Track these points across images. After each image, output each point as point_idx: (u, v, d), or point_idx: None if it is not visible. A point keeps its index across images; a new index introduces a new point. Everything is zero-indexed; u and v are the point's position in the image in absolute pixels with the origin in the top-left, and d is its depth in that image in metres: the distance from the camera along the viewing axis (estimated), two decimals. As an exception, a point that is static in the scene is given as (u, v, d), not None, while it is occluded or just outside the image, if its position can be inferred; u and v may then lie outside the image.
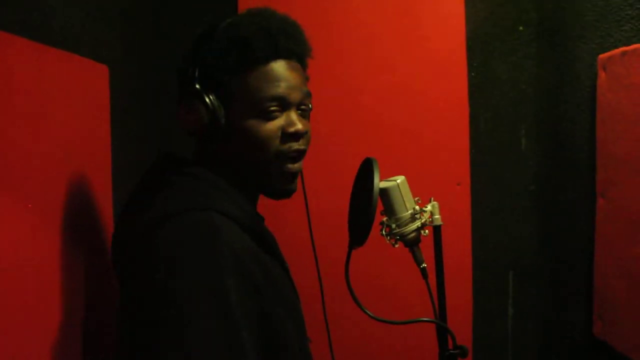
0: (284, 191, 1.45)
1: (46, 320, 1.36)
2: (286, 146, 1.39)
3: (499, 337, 2.48)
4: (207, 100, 1.34)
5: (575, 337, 2.25)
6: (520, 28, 2.41)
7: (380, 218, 1.51)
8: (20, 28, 1.28)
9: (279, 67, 1.38)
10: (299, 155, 1.43)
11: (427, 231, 1.51)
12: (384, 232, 1.51)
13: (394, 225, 1.49)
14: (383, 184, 1.47)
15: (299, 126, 1.39)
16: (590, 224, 2.06)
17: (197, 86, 1.35)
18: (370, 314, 1.45)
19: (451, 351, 1.53)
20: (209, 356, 1.15)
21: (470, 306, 2.40)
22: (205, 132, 1.36)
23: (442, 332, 1.53)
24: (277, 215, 1.42)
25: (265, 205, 1.50)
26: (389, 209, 1.49)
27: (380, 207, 1.48)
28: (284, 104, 1.39)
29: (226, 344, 1.17)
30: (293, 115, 1.40)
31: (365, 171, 1.43)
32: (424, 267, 1.51)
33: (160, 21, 2.38)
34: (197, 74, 1.36)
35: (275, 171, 1.40)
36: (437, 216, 1.53)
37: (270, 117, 1.37)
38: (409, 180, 1.52)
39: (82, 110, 1.57)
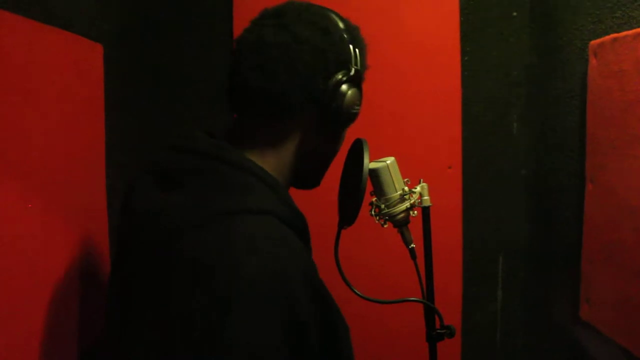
0: (320, 182, 1.50)
1: (36, 312, 1.36)
2: None
3: (487, 320, 2.50)
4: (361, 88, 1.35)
5: (563, 320, 2.27)
6: (514, 14, 2.42)
7: (370, 198, 1.53)
8: (13, 5, 1.27)
9: None
10: None
11: (416, 212, 1.52)
12: (373, 212, 1.52)
13: (383, 206, 1.50)
14: (373, 165, 1.49)
15: None
16: (580, 209, 2.07)
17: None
18: (359, 293, 1.48)
19: (438, 331, 1.55)
20: None
21: (460, 288, 2.42)
22: (341, 117, 1.32)
23: (430, 312, 1.55)
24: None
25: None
26: (379, 190, 1.50)
27: (370, 187, 1.50)
28: None
29: None
30: None
31: (356, 152, 1.45)
32: (413, 248, 1.53)
33: None
34: (357, 61, 1.33)
35: (327, 168, 1.48)
36: (426, 197, 1.54)
37: None
38: (401, 162, 1.53)
39: (75, 88, 1.58)
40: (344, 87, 1.29)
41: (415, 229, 1.55)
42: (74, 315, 1.53)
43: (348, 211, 1.43)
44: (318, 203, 2.14)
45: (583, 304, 2.08)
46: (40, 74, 1.38)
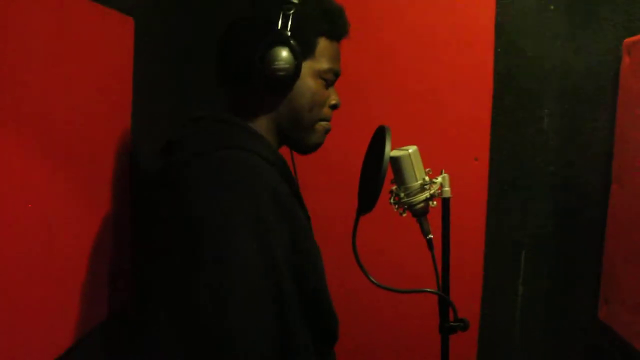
0: (317, 145, 1.58)
1: (61, 266, 1.39)
2: (329, 112, 1.57)
3: (506, 315, 2.49)
4: (297, 49, 1.42)
5: (582, 320, 2.26)
6: (551, 7, 2.38)
7: (390, 186, 1.52)
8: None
9: (338, 47, 1.57)
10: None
11: (435, 202, 1.51)
12: (392, 201, 1.52)
13: (402, 194, 1.50)
14: (394, 153, 1.48)
15: (339, 101, 1.59)
16: (604, 208, 2.05)
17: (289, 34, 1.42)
18: (374, 281, 1.47)
19: (452, 323, 1.54)
20: (248, 287, 1.24)
21: (480, 281, 2.41)
22: (272, 80, 1.42)
23: (444, 304, 1.55)
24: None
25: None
26: (399, 178, 1.50)
27: (390, 175, 1.49)
28: (334, 80, 1.58)
29: (265, 278, 1.26)
30: (334, 91, 1.59)
31: (378, 139, 1.45)
32: (430, 239, 1.52)
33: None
34: (288, 25, 1.42)
35: (318, 128, 1.55)
36: (446, 188, 1.53)
37: (327, 85, 1.55)
38: (427, 152, 1.53)
39: (105, 62, 1.58)
40: (267, 50, 1.41)
41: (437, 219, 1.54)
42: (101, 279, 1.57)
43: (367, 198, 1.44)
44: (339, 188, 2.15)
45: (602, 304, 2.06)
46: (69, 47, 1.38)
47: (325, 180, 2.29)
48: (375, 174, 1.39)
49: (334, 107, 1.58)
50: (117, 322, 1.67)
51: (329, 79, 1.54)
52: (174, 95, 2.21)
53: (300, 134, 1.54)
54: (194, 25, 2.28)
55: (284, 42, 1.41)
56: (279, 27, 1.41)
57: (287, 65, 1.41)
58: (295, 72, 1.43)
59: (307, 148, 1.58)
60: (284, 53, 1.40)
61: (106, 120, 1.60)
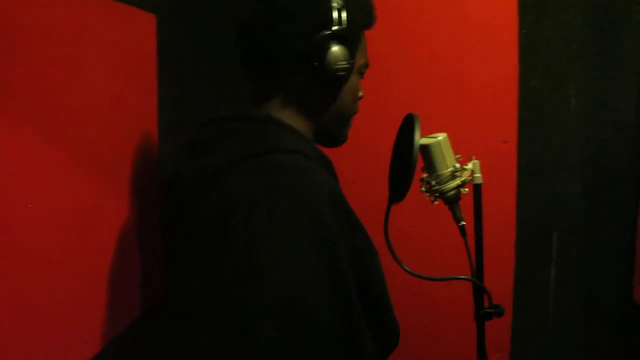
0: (344, 139, 1.56)
1: (89, 267, 1.39)
2: (357, 105, 1.54)
3: (539, 299, 2.47)
4: (353, 46, 1.41)
5: (615, 302, 2.24)
6: (577, -15, 2.35)
7: (420, 174, 1.52)
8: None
9: None
10: None
11: (467, 189, 1.50)
12: (423, 189, 1.51)
13: (433, 182, 1.49)
14: (424, 141, 1.47)
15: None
16: (637, 189, 2.03)
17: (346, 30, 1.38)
18: (407, 269, 1.47)
19: (487, 310, 1.54)
20: (314, 296, 1.20)
21: (512, 266, 2.39)
22: (330, 79, 1.38)
23: (479, 291, 1.54)
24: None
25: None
26: (430, 166, 1.49)
27: (420, 163, 1.48)
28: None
29: (330, 287, 1.22)
30: None
31: (407, 127, 1.45)
32: (463, 225, 1.51)
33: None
34: (342, 20, 1.37)
35: (349, 122, 1.54)
36: (477, 174, 1.52)
37: (361, 79, 1.52)
38: (455, 135, 1.52)
39: (128, 61, 1.58)
40: (325, 44, 1.36)
41: (468, 205, 1.53)
42: (130, 280, 1.57)
43: (398, 187, 1.44)
44: (369, 177, 2.14)
45: (636, 286, 2.04)
46: (92, 47, 1.38)
47: (355, 170, 2.27)
48: (406, 162, 1.39)
49: (360, 98, 1.55)
50: (148, 320, 1.68)
51: (363, 72, 1.52)
52: (200, 92, 2.21)
53: (340, 129, 1.52)
54: (218, 19, 2.28)
55: (343, 39, 1.37)
56: (334, 21, 1.36)
57: (346, 64, 1.37)
58: (351, 70, 1.41)
59: (340, 142, 1.55)
60: (344, 51, 1.37)
61: (132, 120, 1.61)
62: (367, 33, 1.50)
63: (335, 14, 1.36)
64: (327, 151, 1.55)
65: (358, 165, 2.30)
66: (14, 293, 1.09)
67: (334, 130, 1.51)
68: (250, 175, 1.26)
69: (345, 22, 1.37)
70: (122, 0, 1.55)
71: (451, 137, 1.51)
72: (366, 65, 1.51)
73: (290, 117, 1.43)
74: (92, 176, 1.38)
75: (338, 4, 1.37)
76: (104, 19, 1.45)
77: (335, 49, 1.35)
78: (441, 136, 1.48)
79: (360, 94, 1.53)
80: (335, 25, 1.36)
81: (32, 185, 1.15)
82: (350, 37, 1.39)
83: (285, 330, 1.17)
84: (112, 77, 1.49)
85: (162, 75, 1.78)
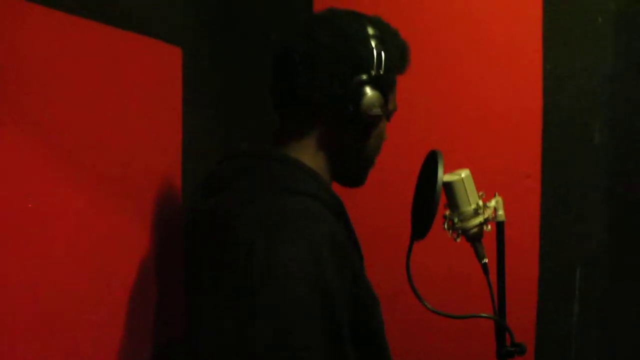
0: (365, 181, 1.55)
1: (114, 305, 1.40)
2: (381, 148, 1.53)
3: (562, 335, 2.44)
4: (388, 93, 1.41)
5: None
6: (599, 19, 2.35)
7: (443, 211, 1.51)
8: (86, 10, 1.28)
9: None
10: None
11: (489, 227, 1.50)
12: (446, 226, 1.51)
13: (456, 220, 1.48)
14: (447, 178, 1.47)
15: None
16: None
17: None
18: (429, 307, 1.46)
19: (509, 348, 1.52)
20: (309, 348, 1.18)
21: (535, 302, 2.37)
22: (362, 123, 1.38)
23: (501, 329, 1.53)
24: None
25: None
26: (452, 203, 1.49)
27: (443, 200, 1.48)
28: None
29: (326, 336, 1.20)
30: None
31: (430, 164, 1.45)
32: (485, 263, 1.50)
33: (234, 0, 2.39)
34: (382, 65, 1.37)
35: (372, 165, 1.54)
36: (500, 212, 1.51)
37: (387, 123, 1.51)
38: (479, 170, 1.52)
39: (153, 94, 1.59)
40: (362, 89, 1.35)
41: (490, 242, 1.52)
42: (151, 312, 1.57)
43: (421, 224, 1.44)
44: (391, 214, 2.13)
45: (662, 324, 2.01)
46: (117, 80, 1.40)
47: (377, 206, 2.27)
48: (429, 200, 1.39)
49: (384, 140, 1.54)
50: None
51: (391, 117, 1.52)
52: (224, 124, 2.22)
53: (363, 171, 1.52)
54: (243, 52, 2.29)
55: (379, 84, 1.37)
56: (373, 65, 1.36)
57: (380, 111, 1.37)
58: (383, 116, 1.42)
59: (361, 183, 1.55)
60: (379, 97, 1.36)
61: (157, 153, 1.61)
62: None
63: (375, 58, 1.35)
64: (349, 190, 1.55)
65: (381, 201, 2.29)
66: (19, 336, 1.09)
67: (356, 172, 1.52)
68: (256, 216, 1.25)
69: (384, 67, 1.36)
70: (148, 33, 1.56)
71: (474, 172, 1.50)
72: (394, 110, 1.51)
73: (312, 157, 1.41)
74: (116, 210, 1.39)
75: (378, 47, 1.37)
76: (129, 52, 1.46)
77: (371, 94, 1.35)
78: (464, 173, 1.48)
79: (386, 137, 1.52)
80: (374, 70, 1.35)
81: (60, 220, 1.16)
82: (386, 83, 1.39)
83: None
84: (138, 111, 1.50)
85: (187, 107, 1.78)
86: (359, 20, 1.41)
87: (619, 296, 2.36)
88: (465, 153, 2.21)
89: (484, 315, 1.51)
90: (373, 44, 1.36)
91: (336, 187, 1.51)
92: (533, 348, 2.34)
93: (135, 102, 1.49)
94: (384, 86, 1.38)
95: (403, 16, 2.28)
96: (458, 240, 1.50)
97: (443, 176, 1.41)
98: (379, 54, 1.36)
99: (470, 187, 1.48)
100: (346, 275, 1.26)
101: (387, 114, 1.47)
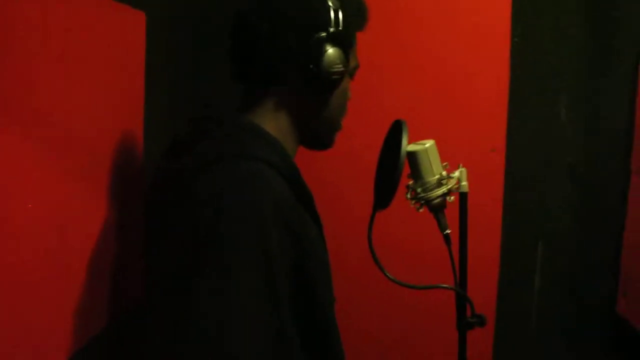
0: (333, 142, 1.55)
1: (72, 267, 1.37)
2: (347, 108, 1.54)
3: (523, 309, 2.47)
4: (348, 50, 1.40)
5: (600, 314, 2.24)
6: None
7: (406, 181, 1.51)
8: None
9: None
10: None
11: (452, 197, 1.50)
12: (409, 196, 1.50)
13: (419, 190, 1.48)
14: (411, 147, 1.46)
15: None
16: (624, 201, 2.03)
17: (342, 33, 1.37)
18: (391, 277, 1.46)
19: (469, 319, 1.53)
20: (245, 307, 1.19)
21: (496, 275, 2.39)
22: (325, 82, 1.37)
23: (461, 300, 1.53)
24: (307, 172, 1.43)
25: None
26: (416, 173, 1.48)
27: (407, 170, 1.48)
28: None
29: (264, 297, 1.21)
30: None
31: (394, 133, 1.44)
32: (448, 234, 1.50)
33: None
34: (339, 23, 1.36)
35: (339, 126, 1.53)
36: (464, 183, 1.51)
37: (351, 81, 1.52)
38: (444, 143, 1.51)
39: (116, 58, 1.56)
40: (322, 47, 1.34)
41: (453, 213, 1.52)
42: (112, 280, 1.56)
43: (383, 193, 1.43)
44: (354, 183, 2.13)
45: (620, 298, 2.04)
46: (80, 43, 1.37)
47: (340, 176, 2.27)
48: (392, 169, 1.38)
49: (348, 100, 1.54)
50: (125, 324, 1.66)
51: (354, 74, 1.51)
52: (188, 91, 2.19)
53: (330, 132, 1.52)
54: (208, 18, 2.27)
55: (339, 41, 1.36)
56: (331, 23, 1.35)
57: (342, 68, 1.36)
58: (346, 73, 1.40)
59: (329, 145, 1.55)
60: (340, 54, 1.35)
61: (119, 118, 1.59)
62: (358, 38, 1.49)
63: (332, 15, 1.35)
64: (315, 155, 1.54)
65: (344, 170, 2.29)
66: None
67: (324, 133, 1.51)
68: (211, 180, 1.25)
69: (342, 24, 1.36)
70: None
71: (439, 145, 1.50)
72: (357, 67, 1.51)
73: (275, 122, 1.42)
74: (75, 175, 1.37)
75: (335, 4, 1.36)
76: (93, 14, 1.43)
77: (332, 51, 1.34)
78: (429, 143, 1.47)
79: (349, 95, 1.52)
80: (332, 27, 1.35)
81: (11, 184, 1.13)
82: (346, 40, 1.38)
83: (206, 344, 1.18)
84: (100, 73, 1.47)
85: (150, 73, 1.76)
86: None
87: (580, 272, 2.38)
88: (431, 125, 2.19)
89: (445, 285, 1.51)
90: (329, 2, 1.36)
91: (302, 155, 1.50)
92: (493, 320, 2.36)
93: (98, 65, 1.46)
94: (344, 43, 1.37)
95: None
96: (421, 210, 1.50)
97: (407, 146, 1.40)
98: (336, 11, 1.35)
99: (434, 157, 1.47)
100: (292, 243, 1.28)
101: (350, 71, 1.47)
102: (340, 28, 1.35)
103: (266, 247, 1.21)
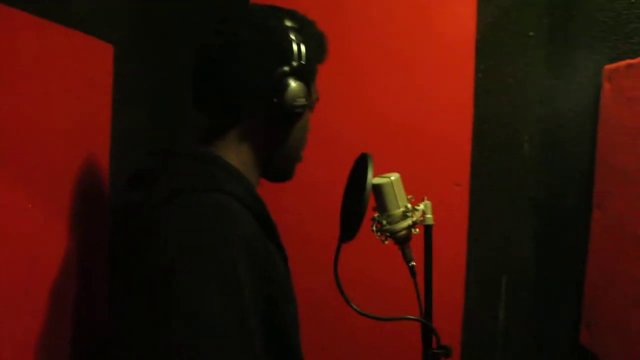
0: (293, 174, 1.55)
1: (35, 303, 1.35)
2: (307, 139, 1.54)
3: (488, 340, 2.48)
4: (311, 82, 1.42)
5: (563, 345, 2.26)
6: (531, 34, 2.40)
7: (372, 214, 1.52)
8: (22, 2, 1.25)
9: None
10: None
11: (417, 230, 1.51)
12: (374, 228, 1.52)
13: (385, 222, 1.50)
14: (376, 180, 1.48)
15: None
16: (586, 235, 2.06)
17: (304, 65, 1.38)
18: (357, 309, 1.47)
19: (434, 350, 1.54)
20: (217, 344, 1.14)
21: (461, 308, 2.40)
22: (286, 114, 1.38)
23: (427, 331, 1.54)
24: (272, 204, 1.43)
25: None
26: (381, 206, 1.50)
27: (372, 202, 1.49)
28: None
29: (236, 334, 1.16)
30: None
31: (360, 166, 1.45)
32: (413, 266, 1.52)
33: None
34: (302, 55, 1.37)
35: (299, 158, 1.53)
36: (429, 215, 1.53)
37: (311, 113, 1.52)
38: (409, 177, 1.53)
39: (83, 89, 1.57)
40: (285, 81, 1.35)
41: (419, 246, 1.54)
42: (74, 311, 1.52)
43: (349, 226, 1.44)
44: (319, 215, 2.14)
45: (583, 329, 2.06)
46: (47, 74, 1.37)
47: (306, 208, 2.28)
48: (358, 202, 1.39)
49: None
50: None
51: (313, 106, 1.52)
52: (154, 122, 2.20)
53: (290, 164, 1.52)
54: (176, 52, 2.27)
55: (301, 75, 1.37)
56: (295, 58, 1.36)
57: (305, 101, 1.38)
58: (307, 106, 1.42)
59: (289, 178, 1.55)
60: (302, 87, 1.37)
61: (84, 146, 1.59)
62: (322, 71, 1.51)
63: (295, 49, 1.36)
64: (280, 187, 1.54)
65: (310, 202, 2.30)
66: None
67: (284, 165, 1.51)
68: (173, 214, 1.22)
69: (305, 58, 1.37)
70: (81, 29, 1.54)
71: (404, 178, 1.52)
72: (317, 99, 1.51)
73: (237, 154, 1.41)
74: (41, 208, 1.36)
75: (297, 38, 1.37)
76: (61, 45, 1.44)
77: (294, 85, 1.36)
78: (394, 176, 1.49)
79: (309, 127, 1.53)
80: (295, 61, 1.36)
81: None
82: (308, 73, 1.40)
83: None
84: (66, 105, 1.47)
85: (117, 104, 1.77)
86: (276, 13, 1.42)
87: (543, 303, 2.41)
88: (395, 159, 2.22)
89: (410, 317, 1.52)
90: (292, 36, 1.37)
91: (267, 187, 1.51)
92: (459, 351, 2.37)
93: (64, 97, 1.46)
94: (306, 76, 1.39)
95: (336, 18, 2.30)
96: (386, 242, 1.51)
97: (373, 178, 1.41)
98: (298, 45, 1.37)
99: (399, 190, 1.49)
100: (259, 276, 1.25)
101: (310, 104, 1.48)
102: (302, 62, 1.37)
103: (235, 284, 1.18)
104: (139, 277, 1.22)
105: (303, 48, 1.37)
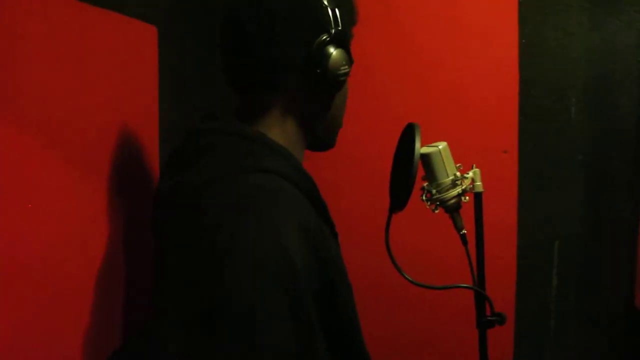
0: (335, 142, 1.52)
1: (84, 277, 1.36)
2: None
3: (541, 306, 2.47)
4: (348, 46, 1.34)
5: (618, 309, 2.24)
6: (574, -5, 2.36)
7: (421, 183, 1.52)
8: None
9: None
10: None
11: (467, 197, 1.51)
12: (424, 198, 1.51)
13: (434, 191, 1.49)
14: (424, 150, 1.48)
15: None
16: (638, 196, 2.03)
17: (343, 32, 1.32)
18: (409, 278, 1.47)
19: (489, 318, 1.54)
20: (273, 338, 1.11)
21: (514, 274, 2.39)
22: (331, 84, 1.32)
23: (480, 299, 1.54)
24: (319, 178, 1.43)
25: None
26: (430, 175, 1.49)
27: (421, 172, 1.49)
28: None
29: (292, 323, 1.13)
30: None
31: (407, 136, 1.44)
32: (464, 234, 1.51)
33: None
34: (338, 22, 1.31)
35: (340, 127, 1.50)
36: (478, 183, 1.52)
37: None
38: (457, 146, 1.52)
39: (129, 73, 1.58)
40: (326, 49, 1.29)
41: (469, 214, 1.53)
42: (121, 298, 1.54)
43: (399, 196, 1.44)
44: (370, 187, 2.14)
45: (638, 293, 2.04)
46: (92, 59, 1.38)
47: (356, 180, 2.28)
48: (406, 171, 1.39)
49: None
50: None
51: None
52: (201, 102, 2.21)
53: (332, 134, 1.49)
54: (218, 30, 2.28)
55: (342, 42, 1.31)
56: (332, 24, 1.29)
57: (348, 68, 1.33)
58: (347, 70, 1.34)
59: (332, 145, 1.51)
60: (344, 55, 1.31)
61: (133, 130, 1.60)
62: (367, 42, 1.47)
63: (330, 14, 1.29)
64: (326, 160, 1.54)
65: (359, 175, 2.30)
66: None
67: (328, 135, 1.48)
68: (220, 197, 1.19)
69: (340, 23, 1.30)
70: (124, 12, 1.55)
71: (452, 147, 1.51)
72: (352, 63, 1.39)
73: (280, 130, 1.35)
74: (90, 191, 1.37)
75: (330, 3, 1.30)
76: (106, 29, 1.45)
77: (336, 53, 1.29)
78: (441, 145, 1.49)
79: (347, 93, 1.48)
80: (332, 28, 1.29)
81: (28, 188, 1.14)
82: (346, 39, 1.34)
83: None
84: (113, 86, 1.48)
85: (163, 85, 1.78)
86: None
87: (597, 268, 2.39)
88: (443, 129, 2.22)
89: (463, 285, 1.52)
90: (325, 1, 1.30)
91: (313, 160, 1.50)
92: (513, 318, 2.36)
93: (112, 80, 1.47)
94: (345, 42, 1.33)
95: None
96: (436, 211, 1.51)
97: (420, 148, 1.41)
98: (333, 11, 1.30)
99: (448, 158, 1.49)
100: (317, 263, 1.21)
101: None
102: (340, 27, 1.30)
103: (291, 274, 1.14)
104: (187, 269, 1.19)
105: (338, 13, 1.30)
